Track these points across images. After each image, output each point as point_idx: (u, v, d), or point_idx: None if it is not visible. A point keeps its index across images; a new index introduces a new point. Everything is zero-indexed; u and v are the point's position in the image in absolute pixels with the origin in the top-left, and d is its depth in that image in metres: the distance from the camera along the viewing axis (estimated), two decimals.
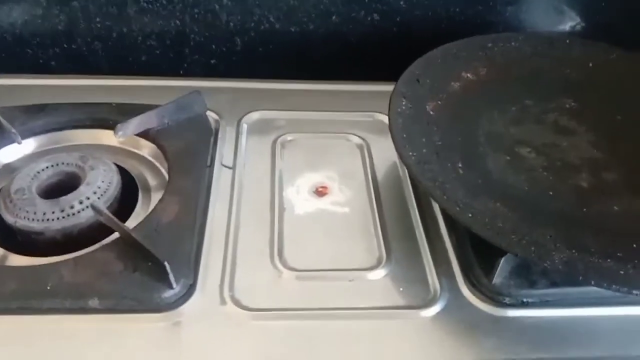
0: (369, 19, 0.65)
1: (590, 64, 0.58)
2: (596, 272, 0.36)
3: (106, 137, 0.54)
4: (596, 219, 0.43)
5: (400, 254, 0.46)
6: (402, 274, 0.44)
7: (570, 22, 0.69)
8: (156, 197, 0.49)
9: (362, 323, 0.41)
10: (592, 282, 0.36)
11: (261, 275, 0.43)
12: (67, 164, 0.49)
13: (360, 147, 0.56)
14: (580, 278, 0.36)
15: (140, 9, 0.63)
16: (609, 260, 0.37)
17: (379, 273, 0.44)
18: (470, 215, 0.40)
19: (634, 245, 0.38)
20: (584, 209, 0.43)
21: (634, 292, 0.35)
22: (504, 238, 0.38)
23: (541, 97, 0.54)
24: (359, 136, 0.57)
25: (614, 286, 0.35)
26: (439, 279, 0.44)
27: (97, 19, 0.63)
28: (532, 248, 0.38)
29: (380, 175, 0.53)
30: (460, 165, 0.46)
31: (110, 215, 0.43)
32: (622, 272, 0.37)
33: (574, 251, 0.38)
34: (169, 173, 0.49)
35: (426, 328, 0.41)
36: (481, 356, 0.39)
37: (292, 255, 0.45)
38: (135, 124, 0.51)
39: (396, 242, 0.47)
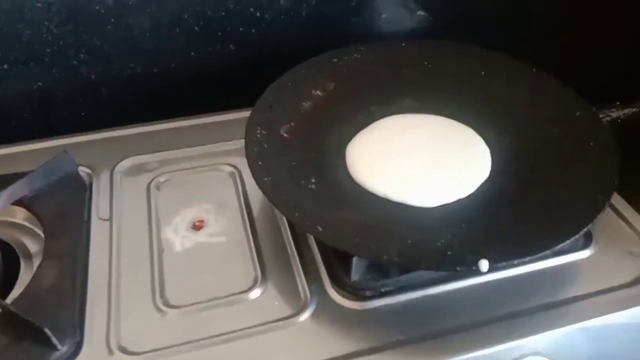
0: (225, 50, 0.69)
1: (425, 62, 0.64)
2: (427, 259, 0.42)
3: None
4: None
5: (274, 271, 0.50)
6: (277, 289, 0.48)
7: (415, 20, 0.76)
8: (38, 262, 0.51)
9: (245, 342, 0.45)
10: (423, 267, 0.42)
11: (145, 319, 0.46)
12: None
13: (232, 175, 0.60)
14: (414, 266, 0.42)
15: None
16: (434, 248, 0.43)
17: (256, 292, 0.48)
18: (320, 228, 0.45)
19: (449, 236, 0.45)
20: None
21: (457, 268, 0.42)
22: (348, 243, 0.44)
23: (383, 101, 0.60)
24: (230, 164, 0.61)
25: (440, 267, 0.42)
26: (309, 286, 0.48)
27: None
28: (373, 247, 0.43)
29: (253, 199, 0.57)
30: (313, 180, 0.51)
31: None
32: (449, 254, 0.43)
33: (409, 242, 0.44)
34: (44, 237, 0.51)
35: (301, 333, 0.45)
36: (351, 348, 0.44)
37: (173, 293, 0.48)
38: (5, 196, 0.53)
39: (270, 261, 0.51)
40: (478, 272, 0.42)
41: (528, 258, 0.42)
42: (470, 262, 0.41)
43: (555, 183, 0.50)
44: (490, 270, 0.42)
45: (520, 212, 0.47)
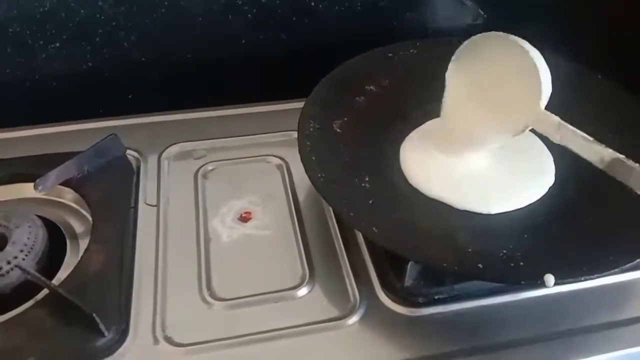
0: (277, 39, 0.68)
1: None
2: (489, 270, 0.41)
3: (28, 190, 0.54)
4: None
5: (322, 269, 0.49)
6: (325, 288, 0.47)
7: (470, 16, 0.74)
8: (84, 244, 0.51)
9: (290, 342, 0.44)
10: (486, 278, 0.40)
11: (191, 310, 0.45)
12: None
13: (280, 167, 0.59)
14: (475, 277, 0.40)
15: (49, 56, 0.63)
16: (496, 258, 0.41)
17: (303, 291, 0.47)
18: (374, 229, 0.43)
19: (510, 246, 0.43)
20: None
21: (522, 282, 0.40)
22: (405, 247, 0.42)
23: (438, 100, 0.58)
24: (278, 157, 0.60)
25: (504, 280, 0.40)
26: (358, 288, 0.47)
27: (7, 70, 0.63)
28: (431, 253, 0.42)
29: (300, 193, 0.56)
30: (367, 179, 0.50)
31: (36, 273, 0.45)
32: (512, 266, 0.41)
33: (469, 250, 0.42)
34: (92, 221, 0.51)
35: (349, 336, 0.44)
36: (399, 356, 0.43)
37: (220, 286, 0.47)
38: (54, 176, 0.52)
39: (318, 258, 0.50)
40: (541, 286, 0.40)
41: (596, 276, 0.40)
42: (536, 277, 0.39)
43: (621, 197, 0.47)
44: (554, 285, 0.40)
45: (585, 225, 0.45)
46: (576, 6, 0.73)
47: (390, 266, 0.47)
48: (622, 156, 0.42)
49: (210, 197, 0.55)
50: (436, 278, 0.45)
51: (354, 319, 0.45)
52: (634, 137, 0.53)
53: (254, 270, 0.49)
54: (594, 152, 0.43)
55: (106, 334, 0.42)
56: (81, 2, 0.61)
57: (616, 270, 0.41)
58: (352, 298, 0.46)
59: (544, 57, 0.61)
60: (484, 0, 0.72)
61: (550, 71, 0.60)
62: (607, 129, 0.54)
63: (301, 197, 0.56)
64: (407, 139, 0.55)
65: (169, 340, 0.43)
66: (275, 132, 0.62)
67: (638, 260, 0.41)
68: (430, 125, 0.57)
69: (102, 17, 0.62)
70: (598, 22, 0.74)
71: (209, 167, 0.58)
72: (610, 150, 0.42)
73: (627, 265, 0.41)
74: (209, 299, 0.46)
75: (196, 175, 0.57)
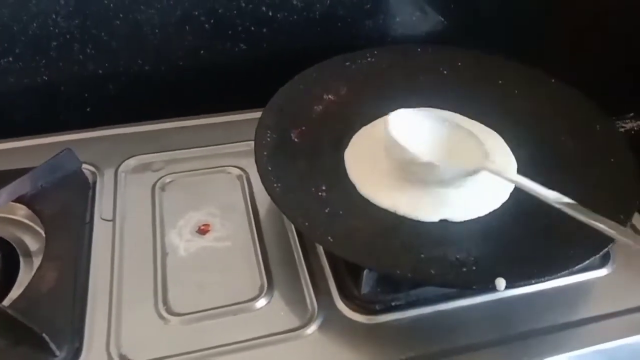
0: (236, 49, 0.67)
1: (441, 68, 0.63)
2: (441, 276, 0.41)
3: None
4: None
5: (281, 280, 0.48)
6: (283, 299, 0.47)
7: (430, 23, 0.74)
8: (38, 261, 0.49)
9: (249, 354, 0.43)
10: (437, 284, 0.40)
11: (147, 326, 0.45)
12: None
13: (239, 178, 0.58)
14: (428, 283, 0.41)
15: (3, 70, 0.62)
16: (448, 264, 0.42)
17: (262, 302, 0.47)
18: (329, 238, 0.43)
19: (464, 251, 0.43)
20: None
21: (473, 287, 0.40)
22: (359, 256, 0.42)
23: (397, 107, 0.58)
24: (238, 167, 0.59)
25: (455, 285, 0.40)
26: (316, 297, 0.47)
27: None
28: (385, 261, 0.42)
29: (260, 203, 0.56)
30: (323, 188, 0.50)
31: None
32: (464, 271, 0.42)
33: (422, 256, 0.43)
34: (46, 238, 0.50)
35: (308, 346, 0.44)
36: None
37: (176, 300, 0.47)
38: (6, 193, 0.51)
39: (277, 269, 0.49)
40: (494, 290, 0.40)
41: (547, 278, 0.41)
42: (487, 281, 0.39)
43: (575, 200, 0.48)
44: (506, 289, 0.40)
45: (537, 229, 0.46)
46: (533, 11, 0.74)
47: (348, 275, 0.47)
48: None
49: (167, 210, 0.54)
50: (392, 285, 0.45)
51: (312, 329, 0.45)
52: (587, 138, 0.54)
53: (212, 283, 0.48)
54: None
55: (57, 353, 0.41)
56: (33, 15, 0.60)
57: (566, 272, 0.42)
58: (310, 307, 0.46)
59: (498, 61, 0.62)
60: (444, 7, 0.73)
61: (506, 76, 0.61)
62: (562, 131, 0.55)
63: (261, 207, 0.55)
64: (350, 144, 0.55)
65: (124, 358, 0.42)
66: (235, 142, 0.62)
67: (588, 261, 0.42)
68: (374, 127, 0.56)
69: (56, 30, 0.61)
70: (554, 26, 0.76)
71: (167, 180, 0.58)
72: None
73: (577, 267, 0.42)
74: (165, 314, 0.45)
75: (154, 188, 0.56)
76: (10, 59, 0.62)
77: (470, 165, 0.46)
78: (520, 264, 0.42)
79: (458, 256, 0.43)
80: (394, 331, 0.45)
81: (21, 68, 0.62)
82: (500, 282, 0.39)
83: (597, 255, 0.42)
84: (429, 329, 0.45)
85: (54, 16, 0.60)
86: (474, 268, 0.42)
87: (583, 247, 0.43)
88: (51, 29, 0.61)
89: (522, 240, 0.45)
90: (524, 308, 0.46)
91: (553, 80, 0.60)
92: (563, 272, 0.41)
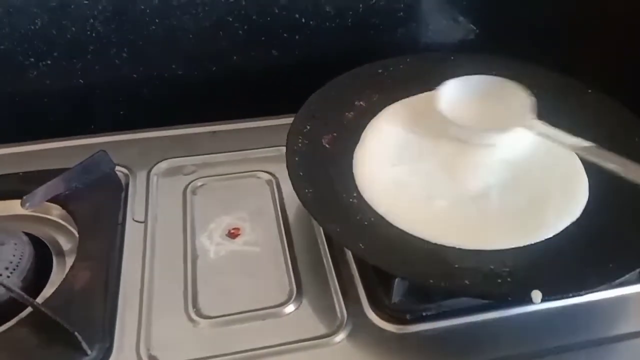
0: (268, 55, 0.68)
1: None
2: (475, 286, 0.40)
3: (15, 206, 0.54)
4: None
5: (310, 286, 0.48)
6: (312, 306, 0.47)
7: (462, 32, 0.74)
8: (71, 261, 0.50)
9: None
10: (471, 295, 0.39)
11: (177, 328, 0.45)
12: None
13: (269, 183, 0.59)
14: (461, 293, 0.40)
15: (40, 72, 0.63)
16: (482, 274, 0.41)
17: (290, 308, 0.46)
18: (361, 245, 0.43)
19: (498, 262, 0.42)
20: None
21: (509, 298, 0.39)
22: (390, 264, 0.42)
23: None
24: (268, 172, 0.59)
25: (490, 296, 0.39)
26: (345, 305, 0.46)
27: None
28: (418, 269, 0.41)
29: (290, 209, 0.56)
30: (354, 195, 0.49)
31: (19, 291, 0.44)
32: (499, 282, 0.41)
33: (456, 266, 0.42)
34: (79, 238, 0.50)
35: (336, 354, 0.44)
36: None
37: (206, 303, 0.47)
38: (41, 193, 0.52)
39: (306, 275, 0.49)
40: (529, 302, 0.39)
41: (584, 292, 0.39)
42: (523, 292, 0.38)
43: (613, 212, 0.47)
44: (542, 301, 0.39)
45: (575, 241, 0.45)
46: (567, 21, 0.73)
47: (378, 283, 0.46)
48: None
49: (198, 213, 0.55)
50: (424, 295, 0.45)
51: (341, 336, 0.44)
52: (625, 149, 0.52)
53: (241, 287, 0.48)
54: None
55: (89, 352, 0.42)
56: (72, 19, 0.61)
57: (605, 286, 0.40)
58: (339, 315, 0.46)
59: (533, 69, 0.61)
60: (477, 16, 0.73)
61: (539, 83, 0.60)
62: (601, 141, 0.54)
63: (291, 213, 0.55)
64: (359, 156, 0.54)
65: (153, 358, 0.43)
66: (265, 148, 0.62)
67: (627, 276, 0.41)
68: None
69: (94, 34, 0.63)
70: (590, 38, 0.75)
71: (198, 183, 0.58)
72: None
73: (616, 282, 0.41)
74: (194, 316, 0.46)
75: (185, 191, 0.57)
76: (49, 62, 0.63)
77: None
78: (557, 276, 0.41)
79: (492, 266, 0.42)
80: (425, 342, 0.44)
81: (58, 71, 0.64)
82: (537, 295, 0.38)
83: (637, 270, 0.41)
84: (460, 341, 0.44)
85: (91, 21, 0.62)
86: (509, 279, 0.41)
87: (622, 260, 0.42)
88: (89, 33, 0.62)
89: (559, 251, 0.44)
90: (559, 322, 0.45)
91: (590, 91, 0.58)
92: (601, 286, 0.40)
